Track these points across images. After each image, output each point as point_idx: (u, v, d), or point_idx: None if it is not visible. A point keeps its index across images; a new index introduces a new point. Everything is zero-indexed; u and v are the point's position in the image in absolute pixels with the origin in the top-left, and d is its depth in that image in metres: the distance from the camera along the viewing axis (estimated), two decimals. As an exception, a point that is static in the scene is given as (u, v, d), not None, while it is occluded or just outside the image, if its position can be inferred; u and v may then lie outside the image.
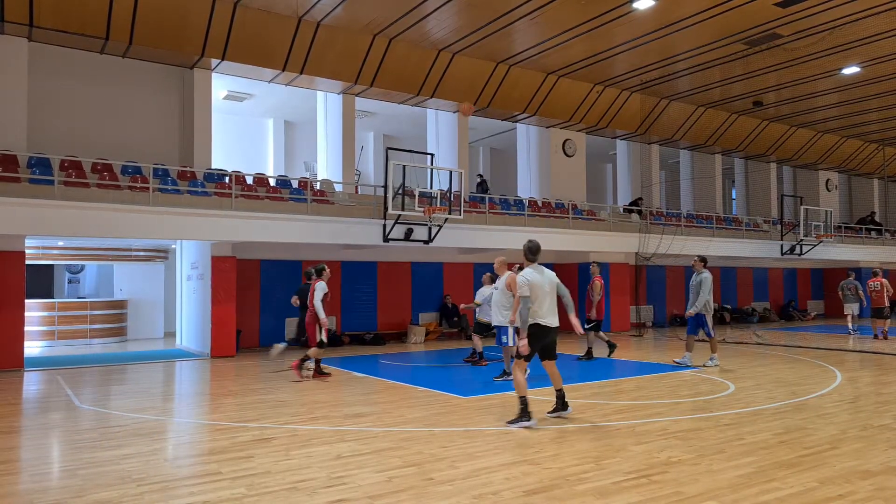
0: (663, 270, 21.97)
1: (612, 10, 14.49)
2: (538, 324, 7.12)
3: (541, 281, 7.21)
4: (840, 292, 19.05)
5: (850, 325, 19.01)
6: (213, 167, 15.40)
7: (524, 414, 7.01)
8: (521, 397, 7.09)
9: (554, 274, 7.44)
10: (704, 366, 11.71)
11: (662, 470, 5.36)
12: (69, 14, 13.07)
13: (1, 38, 13.16)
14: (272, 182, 16.60)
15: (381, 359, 13.63)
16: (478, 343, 12.47)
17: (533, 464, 5.57)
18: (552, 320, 7.19)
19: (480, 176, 23.16)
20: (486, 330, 12.20)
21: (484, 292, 12.10)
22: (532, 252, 7.32)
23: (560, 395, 7.45)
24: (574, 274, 19.97)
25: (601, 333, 12.99)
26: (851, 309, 18.82)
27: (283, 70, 15.44)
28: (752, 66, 18.17)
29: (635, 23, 15.18)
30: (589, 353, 12.97)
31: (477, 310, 12.41)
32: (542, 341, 7.19)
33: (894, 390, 9.18)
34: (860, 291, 18.81)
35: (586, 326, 12.94)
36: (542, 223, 18.17)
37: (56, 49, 14.05)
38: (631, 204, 22.66)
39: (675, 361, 12.21)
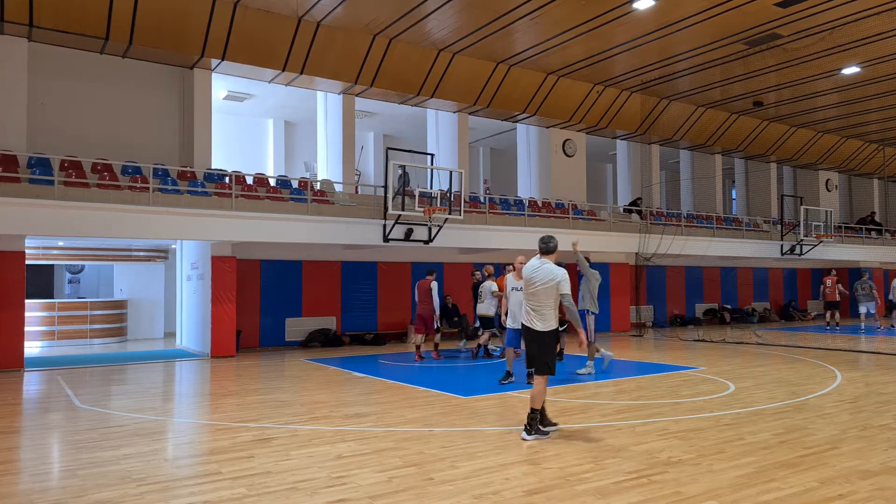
0: (663, 270, 21.97)
1: (612, 10, 14.48)
2: (522, 324, 6.90)
3: (530, 276, 6.75)
4: (854, 292, 20.18)
5: (862, 324, 19.90)
6: (213, 167, 15.40)
7: (539, 429, 6.51)
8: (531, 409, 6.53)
9: (555, 273, 6.62)
10: (578, 372, 11.06)
11: (662, 470, 5.37)
12: (69, 14, 13.07)
13: (1, 38, 13.16)
14: (272, 182, 16.59)
15: (381, 359, 13.64)
16: (485, 337, 12.94)
17: (533, 464, 5.57)
18: (527, 320, 6.68)
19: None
20: (488, 325, 12.90)
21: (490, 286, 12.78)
22: (541, 242, 6.96)
23: (528, 413, 6.50)
24: (574, 274, 19.93)
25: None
26: (866, 308, 19.71)
27: (283, 70, 15.44)
28: (752, 66, 18.16)
29: (635, 23, 15.17)
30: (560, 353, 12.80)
31: (480, 304, 12.79)
32: (527, 341, 6.80)
33: (894, 390, 9.18)
34: (874, 291, 19.90)
35: (560, 328, 12.77)
36: (542, 223, 18.17)
37: (56, 49, 14.04)
38: (630, 204, 22.66)
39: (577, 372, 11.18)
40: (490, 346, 13.88)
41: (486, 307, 12.85)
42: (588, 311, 11.23)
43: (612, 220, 20.15)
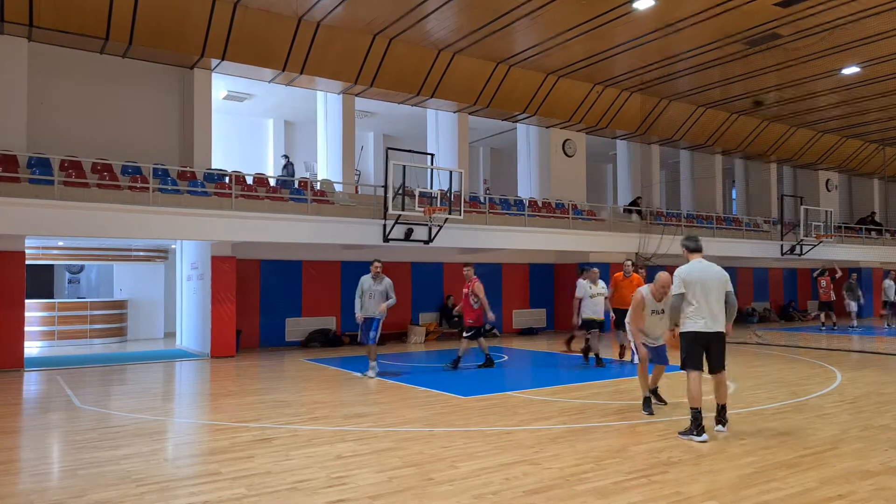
0: (663, 270, 21.96)
1: (612, 10, 14.48)
2: (690, 331, 6.57)
3: (703, 278, 6.53)
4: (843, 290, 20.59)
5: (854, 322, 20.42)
6: (213, 167, 15.40)
7: (694, 427, 6.39)
8: (691, 408, 6.48)
9: (721, 270, 6.62)
10: (366, 375, 10.85)
11: (662, 470, 5.36)
12: (69, 14, 13.06)
13: (1, 38, 13.15)
14: (272, 182, 16.60)
15: (381, 359, 13.63)
16: (595, 344, 11.86)
17: (533, 464, 5.57)
18: (703, 324, 6.49)
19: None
20: (592, 326, 11.82)
21: (584, 286, 11.89)
22: (692, 241, 6.84)
23: (718, 410, 6.64)
24: (574, 274, 19.97)
25: (481, 340, 11.80)
26: (849, 307, 20.16)
27: (283, 70, 15.43)
28: (752, 66, 18.17)
29: (635, 23, 15.17)
30: (488, 360, 11.88)
31: (582, 307, 11.84)
32: (698, 348, 6.54)
33: (894, 390, 9.18)
34: (859, 291, 20.39)
35: (466, 334, 11.69)
36: (542, 223, 18.17)
37: (56, 49, 14.04)
38: (631, 204, 22.67)
39: (365, 375, 10.91)
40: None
41: (587, 309, 11.89)
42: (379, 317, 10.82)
43: (612, 220, 20.15)
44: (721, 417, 6.63)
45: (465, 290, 11.73)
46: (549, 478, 5.18)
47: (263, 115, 20.47)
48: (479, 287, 11.47)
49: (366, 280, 10.85)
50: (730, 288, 6.65)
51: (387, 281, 10.89)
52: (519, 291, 20.08)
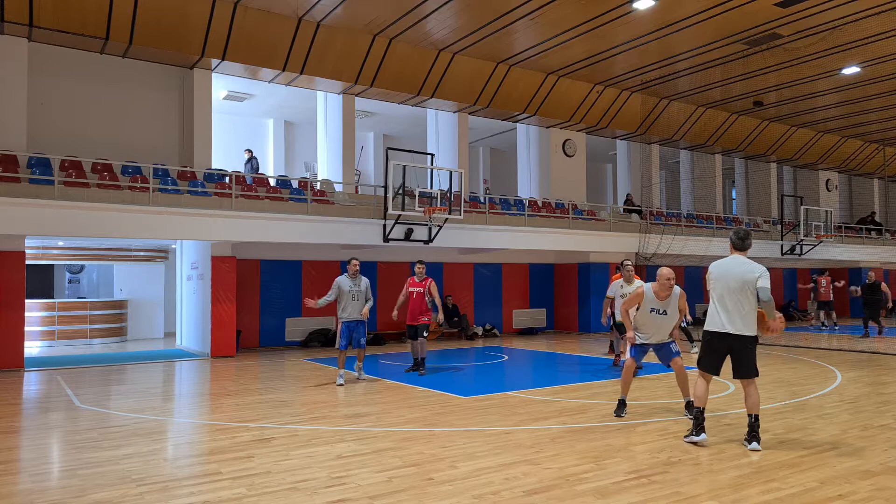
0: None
1: (612, 10, 14.48)
2: (707, 330, 6.20)
3: (723, 273, 6.10)
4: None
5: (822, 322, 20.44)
6: (213, 167, 15.40)
7: (695, 427, 6.23)
8: (694, 407, 6.30)
9: (754, 266, 6.06)
10: (359, 378, 10.56)
11: (662, 470, 5.36)
12: (69, 14, 13.07)
13: (1, 38, 13.16)
14: (272, 182, 16.60)
15: (381, 359, 13.63)
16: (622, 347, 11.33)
17: (533, 464, 5.57)
18: (722, 325, 6.07)
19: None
20: (623, 329, 10.80)
21: (615, 285, 11.32)
22: (738, 237, 6.27)
23: (749, 423, 6.08)
24: (574, 274, 20.01)
25: (415, 343, 11.31)
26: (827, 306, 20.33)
27: (283, 70, 15.44)
28: (752, 66, 18.16)
29: (635, 23, 15.17)
30: (418, 364, 11.29)
31: (614, 308, 11.27)
32: (715, 350, 6.18)
33: (894, 390, 9.18)
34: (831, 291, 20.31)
35: (424, 334, 11.18)
36: (542, 223, 18.18)
37: (56, 49, 14.04)
38: (625, 202, 22.69)
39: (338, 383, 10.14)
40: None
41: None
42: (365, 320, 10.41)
43: (612, 220, 20.16)
44: (753, 433, 6.02)
45: (415, 289, 11.06)
46: (549, 478, 5.18)
47: (263, 115, 20.47)
48: (434, 286, 11.09)
49: (344, 281, 10.14)
50: (764, 284, 5.99)
51: (365, 280, 10.29)
52: (519, 291, 20.09)
